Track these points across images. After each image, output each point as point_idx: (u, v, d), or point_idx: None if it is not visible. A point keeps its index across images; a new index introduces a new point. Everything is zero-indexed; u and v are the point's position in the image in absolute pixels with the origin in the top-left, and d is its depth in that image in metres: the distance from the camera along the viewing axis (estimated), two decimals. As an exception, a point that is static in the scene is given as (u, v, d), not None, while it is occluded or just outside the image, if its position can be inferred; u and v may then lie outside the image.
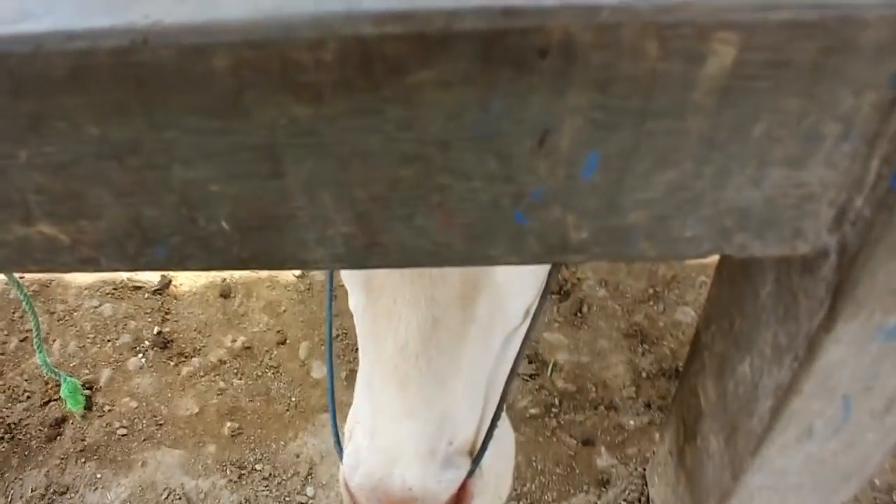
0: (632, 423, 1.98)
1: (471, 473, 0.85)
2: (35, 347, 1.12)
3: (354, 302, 0.86)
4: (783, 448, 1.03)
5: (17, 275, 1.11)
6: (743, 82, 0.56)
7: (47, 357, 1.14)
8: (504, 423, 0.94)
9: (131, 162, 0.62)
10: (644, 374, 2.07)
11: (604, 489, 1.86)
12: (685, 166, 0.66)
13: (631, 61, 0.55)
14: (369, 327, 0.82)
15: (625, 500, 1.84)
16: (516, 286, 0.87)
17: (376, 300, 0.81)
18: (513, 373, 0.88)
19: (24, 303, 1.06)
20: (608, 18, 0.53)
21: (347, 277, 0.87)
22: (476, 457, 0.85)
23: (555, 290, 2.25)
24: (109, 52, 0.53)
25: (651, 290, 2.26)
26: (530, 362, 2.09)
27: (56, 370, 1.19)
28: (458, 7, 0.51)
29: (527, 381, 2.06)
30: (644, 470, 1.87)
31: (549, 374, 2.07)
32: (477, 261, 0.71)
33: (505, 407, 0.91)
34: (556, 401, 2.02)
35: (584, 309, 2.21)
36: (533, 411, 2.00)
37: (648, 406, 2.01)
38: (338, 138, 0.58)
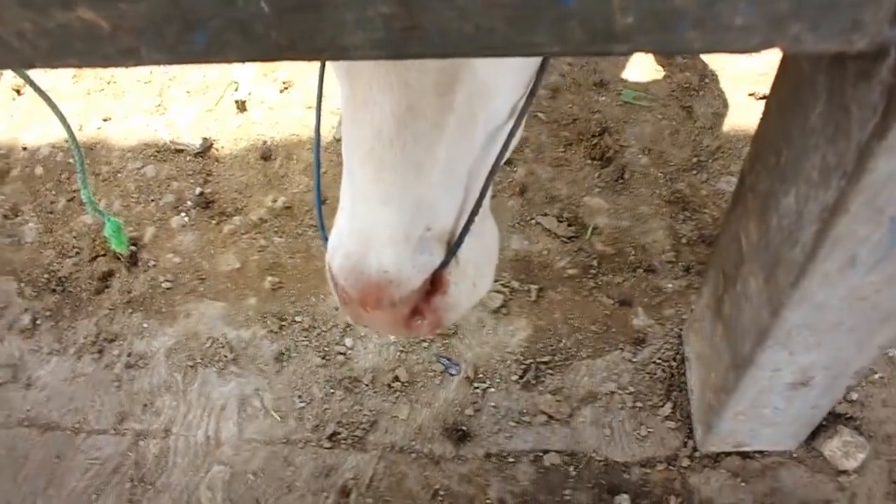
0: (669, 286, 1.98)
1: (447, 262, 0.87)
2: (79, 184, 1.13)
3: (341, 94, 0.86)
4: (824, 280, 1.02)
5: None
6: None
7: (91, 195, 1.14)
8: (488, 221, 0.95)
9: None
10: (684, 240, 2.06)
11: (639, 348, 1.88)
12: (740, -57, 0.64)
13: None
14: (350, 115, 0.82)
15: (660, 358, 1.86)
16: (499, 83, 0.86)
17: (355, 87, 0.81)
18: (495, 168, 0.89)
19: (69, 140, 1.06)
20: None
21: (336, 68, 0.86)
22: (453, 246, 0.87)
23: (596, 157, 2.22)
24: None
25: (695, 160, 2.22)
26: (569, 224, 2.08)
27: (100, 209, 1.20)
28: None
29: (565, 242, 2.06)
30: (680, 330, 1.88)
31: (588, 236, 2.07)
32: (519, 48, 0.70)
33: (488, 202, 0.92)
34: (595, 262, 2.02)
35: (626, 175, 2.18)
36: (571, 272, 2.01)
37: (687, 270, 2.00)
38: None
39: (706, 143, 2.26)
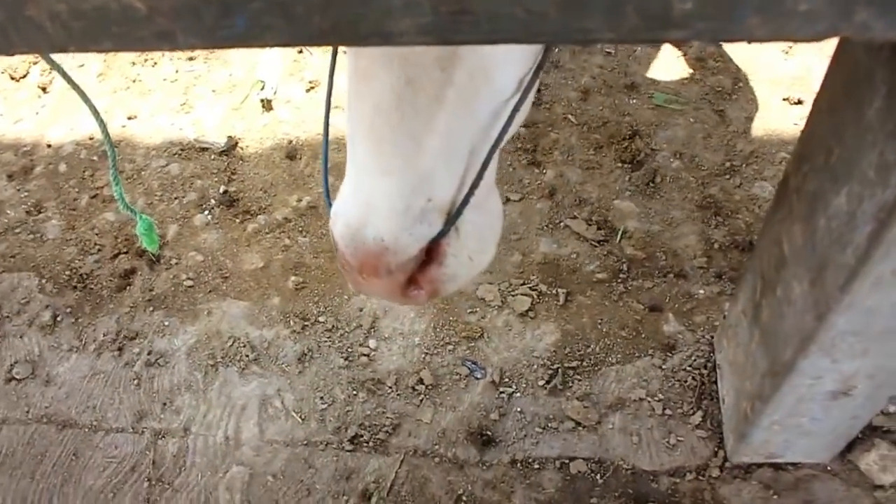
0: (701, 291, 1.94)
1: (445, 232, 0.88)
2: (111, 180, 1.10)
3: (347, 68, 0.86)
4: (876, 284, 0.98)
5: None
6: None
7: (123, 191, 1.11)
8: (493, 195, 0.96)
9: None
10: (716, 246, 2.02)
11: (669, 354, 1.84)
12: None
13: None
14: (353, 88, 0.83)
15: (690, 366, 1.81)
16: (504, 57, 0.85)
17: (358, 60, 0.82)
18: (498, 142, 0.88)
19: (102, 134, 1.03)
20: None
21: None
22: (451, 217, 0.88)
23: (627, 160, 2.19)
24: None
25: (728, 164, 2.18)
26: (599, 228, 2.05)
27: (132, 206, 1.17)
28: None
29: (595, 246, 2.02)
30: (712, 337, 1.84)
31: (618, 240, 2.03)
32: (570, 35, 0.66)
33: (493, 176, 0.94)
34: (625, 267, 1.98)
35: (657, 179, 2.14)
36: (600, 276, 1.97)
37: (719, 276, 1.96)
38: None
39: (739, 148, 2.22)
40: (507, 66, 0.86)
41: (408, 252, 0.85)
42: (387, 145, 0.81)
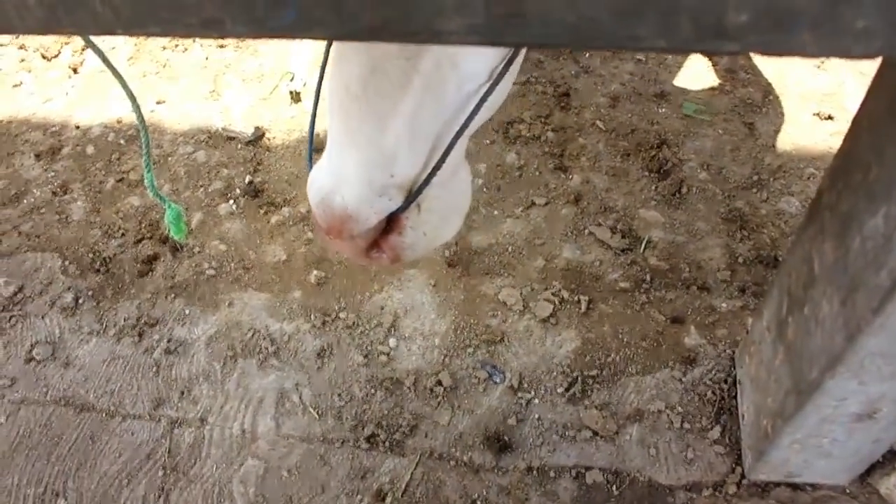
0: (724, 305, 1.92)
1: (404, 208, 0.96)
2: (143, 166, 1.11)
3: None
4: (912, 307, 0.97)
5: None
6: None
7: (154, 178, 1.12)
8: (461, 174, 1.04)
9: None
10: (741, 260, 2.00)
11: (689, 367, 1.82)
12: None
13: None
14: (331, 68, 0.92)
15: (710, 380, 1.80)
16: (471, 48, 0.91)
17: (337, 43, 0.91)
18: (465, 127, 0.94)
19: (137, 121, 1.04)
20: None
21: None
22: (412, 194, 0.96)
23: (654, 169, 2.17)
24: None
25: (755, 178, 2.16)
26: (623, 236, 2.03)
27: (161, 194, 1.18)
28: None
29: (618, 254, 2.01)
30: (733, 352, 1.82)
31: (641, 249, 2.02)
32: (622, 42, 0.66)
33: (461, 157, 1.02)
34: (648, 277, 1.97)
35: (684, 190, 2.13)
36: (623, 285, 1.96)
37: (743, 291, 1.94)
38: None
39: (767, 162, 2.20)
40: (476, 56, 0.91)
41: (368, 222, 0.94)
42: (354, 123, 0.90)
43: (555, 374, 1.83)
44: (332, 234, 0.96)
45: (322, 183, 0.94)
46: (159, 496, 1.73)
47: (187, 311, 2.00)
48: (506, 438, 1.75)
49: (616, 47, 0.67)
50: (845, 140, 1.14)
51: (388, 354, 1.88)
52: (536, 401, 1.80)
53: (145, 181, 1.16)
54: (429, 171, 0.95)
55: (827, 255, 1.18)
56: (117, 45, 2.67)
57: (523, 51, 0.97)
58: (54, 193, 2.28)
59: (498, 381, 1.83)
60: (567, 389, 1.81)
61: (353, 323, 1.93)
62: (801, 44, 0.65)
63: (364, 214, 0.93)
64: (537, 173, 2.18)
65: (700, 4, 0.62)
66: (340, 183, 0.93)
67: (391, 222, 0.98)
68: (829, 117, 2.30)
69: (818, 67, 2.43)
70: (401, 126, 0.89)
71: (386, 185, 0.93)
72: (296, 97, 2.42)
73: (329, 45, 1.14)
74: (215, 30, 0.68)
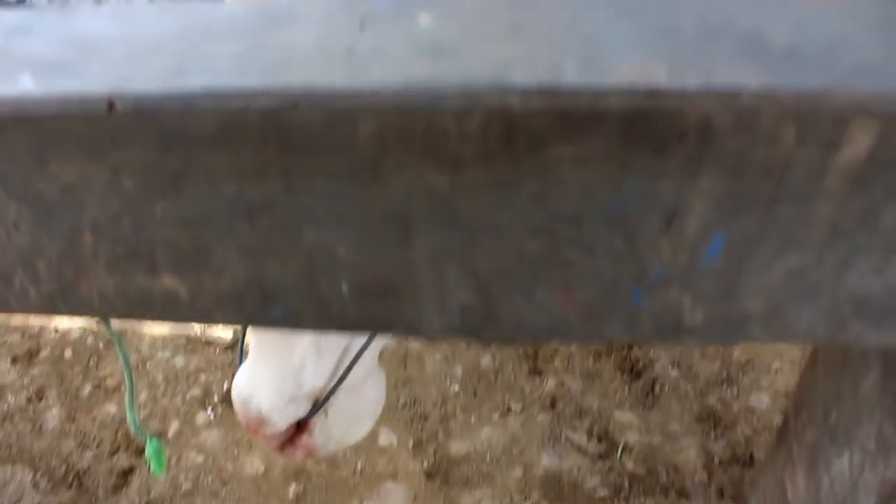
0: (703, 511, 1.93)
1: (312, 414, 1.08)
2: (126, 404, 1.14)
3: None
4: (883, 552, 0.99)
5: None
6: (877, 170, 0.56)
7: (137, 416, 1.19)
8: (371, 380, 1.17)
9: (262, 222, 0.64)
10: (716, 460, 2.02)
11: (673, 578, 1.81)
12: (807, 253, 0.66)
13: (766, 146, 0.55)
14: None
15: (694, 591, 1.78)
16: None
17: None
18: (370, 340, 1.08)
19: (122, 362, 1.08)
20: (748, 103, 0.53)
21: None
22: (318, 403, 1.08)
23: (626, 369, 2.22)
24: (260, 113, 0.54)
25: (724, 374, 2.21)
26: (599, 441, 2.05)
27: (144, 431, 1.21)
28: (604, 86, 0.51)
29: (595, 461, 2.02)
30: (715, 561, 1.82)
31: (618, 455, 2.03)
32: (591, 338, 0.71)
33: (373, 366, 1.17)
34: (626, 483, 1.98)
35: (656, 389, 2.17)
36: (602, 493, 1.96)
37: (721, 494, 1.95)
38: (471, 210, 0.59)
39: (735, 357, 2.26)
40: None
41: (279, 426, 1.06)
42: (267, 347, 1.06)
43: (537, 589, 1.81)
44: (250, 432, 1.08)
45: (242, 389, 1.08)
46: None
47: (162, 528, 1.97)
48: None
49: (584, 342, 0.72)
50: (802, 374, 1.19)
51: (366, 572, 1.85)
52: None
53: (128, 419, 1.18)
54: (335, 380, 1.08)
55: (799, 484, 1.21)
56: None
57: None
58: (29, 400, 2.28)
59: None
60: None
61: (332, 538, 1.91)
62: (752, 336, 0.71)
63: (275, 420, 1.05)
64: (513, 378, 2.22)
65: (659, 308, 0.68)
66: (257, 389, 1.06)
67: (301, 424, 1.10)
68: (792, 313, 2.37)
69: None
70: (308, 342, 1.05)
71: (295, 395, 1.06)
72: (274, 301, 2.47)
73: (243, 335, 1.29)
74: (206, 320, 0.73)
